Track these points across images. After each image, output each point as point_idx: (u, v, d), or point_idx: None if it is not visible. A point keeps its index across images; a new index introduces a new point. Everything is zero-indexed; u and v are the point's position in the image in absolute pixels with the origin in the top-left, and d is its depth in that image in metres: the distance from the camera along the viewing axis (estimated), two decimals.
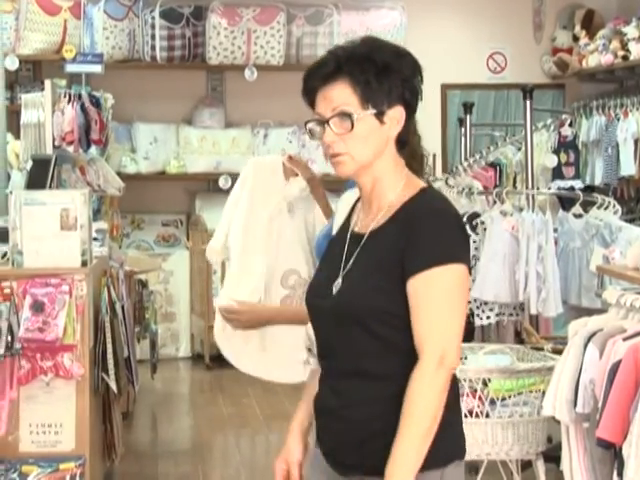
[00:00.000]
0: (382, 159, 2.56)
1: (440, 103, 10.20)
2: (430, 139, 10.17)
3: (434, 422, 2.43)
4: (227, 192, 9.41)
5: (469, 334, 5.88)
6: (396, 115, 2.54)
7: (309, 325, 2.74)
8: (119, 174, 8.19)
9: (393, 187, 2.58)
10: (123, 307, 5.38)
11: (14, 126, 7.99)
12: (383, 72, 2.51)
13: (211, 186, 9.72)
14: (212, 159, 9.52)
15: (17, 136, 7.84)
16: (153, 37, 9.18)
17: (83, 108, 7.35)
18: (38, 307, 4.57)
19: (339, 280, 2.57)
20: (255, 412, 7.64)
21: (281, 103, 9.61)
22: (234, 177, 9.45)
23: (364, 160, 2.54)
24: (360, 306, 2.50)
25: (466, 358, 4.64)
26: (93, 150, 7.68)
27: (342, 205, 2.82)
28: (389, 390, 2.48)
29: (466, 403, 4.32)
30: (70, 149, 7.25)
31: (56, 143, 7.17)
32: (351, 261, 2.57)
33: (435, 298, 2.45)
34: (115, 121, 8.61)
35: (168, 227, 9.69)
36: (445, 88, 10.17)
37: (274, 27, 9.35)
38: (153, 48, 9.19)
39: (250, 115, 9.70)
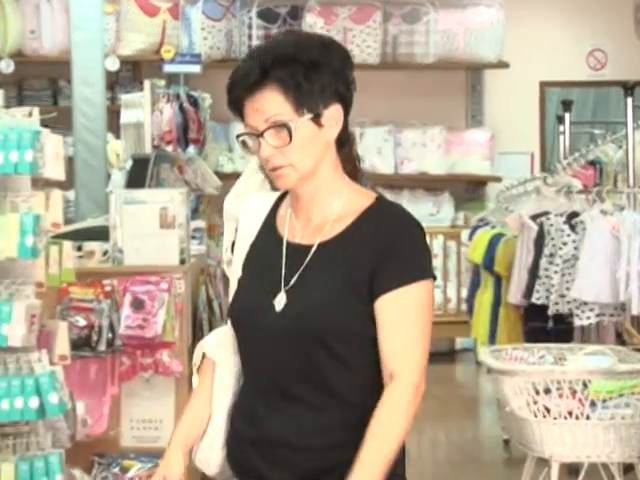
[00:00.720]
0: (324, 164, 2.36)
1: (539, 101, 10.09)
2: (528, 137, 10.15)
3: (397, 449, 2.27)
4: None
5: (568, 334, 5.81)
6: (334, 114, 2.33)
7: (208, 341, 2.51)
8: (216, 173, 8.26)
9: (337, 194, 2.37)
10: (220, 305, 5.43)
11: (114, 126, 8.11)
12: (312, 70, 2.29)
13: None
14: None
15: (117, 136, 7.96)
16: (250, 37, 9.25)
17: (181, 108, 7.42)
18: (138, 305, 4.63)
19: (282, 295, 2.32)
20: None
21: (377, 102, 9.59)
22: None
23: (307, 169, 2.33)
24: (324, 326, 2.27)
25: (565, 359, 4.59)
26: (191, 149, 7.75)
27: (250, 211, 2.52)
28: (351, 416, 2.29)
29: (566, 404, 4.27)
30: (169, 148, 7.32)
31: (155, 143, 7.25)
32: (296, 275, 2.33)
33: (409, 317, 2.28)
34: (213, 121, 8.68)
35: None
36: (544, 86, 10.06)
37: (370, 26, 9.34)
38: (250, 48, 9.25)
39: None
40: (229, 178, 8.89)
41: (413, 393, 2.27)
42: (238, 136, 2.38)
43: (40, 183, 4.58)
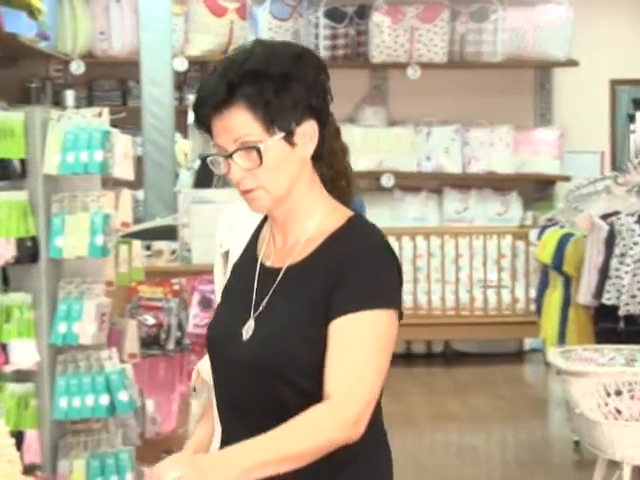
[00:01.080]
0: (299, 183, 2.20)
1: (609, 99, 9.98)
2: (598, 136, 10.02)
3: (296, 462, 2.04)
4: (390, 190, 9.55)
5: (639, 336, 5.73)
6: (308, 131, 2.17)
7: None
8: None
9: (311, 214, 2.22)
10: None
11: (182, 126, 8.17)
12: (283, 85, 2.12)
13: (373, 184, 9.73)
14: (375, 158, 9.54)
15: (185, 135, 8.01)
16: (317, 36, 9.26)
17: None
18: (206, 303, 4.66)
19: (250, 323, 2.20)
20: (419, 411, 7.62)
21: (444, 101, 9.56)
22: (397, 175, 9.46)
23: (280, 192, 2.17)
24: (282, 360, 2.13)
25: (637, 360, 4.53)
26: None
27: (242, 225, 2.44)
28: None
29: (637, 406, 4.22)
30: None
31: None
32: (265, 301, 2.21)
33: (356, 345, 2.09)
34: None
35: None
36: (614, 84, 9.94)
37: (437, 24, 9.31)
38: (317, 47, 9.26)
39: (413, 113, 9.67)
40: None
41: (341, 420, 2.05)
42: (205, 157, 2.28)
43: (110, 183, 4.62)
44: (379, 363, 2.11)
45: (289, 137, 2.15)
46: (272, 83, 2.11)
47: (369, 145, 9.55)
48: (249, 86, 2.11)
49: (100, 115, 4.35)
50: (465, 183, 9.71)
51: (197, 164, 6.68)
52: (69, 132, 4.32)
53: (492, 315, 9.23)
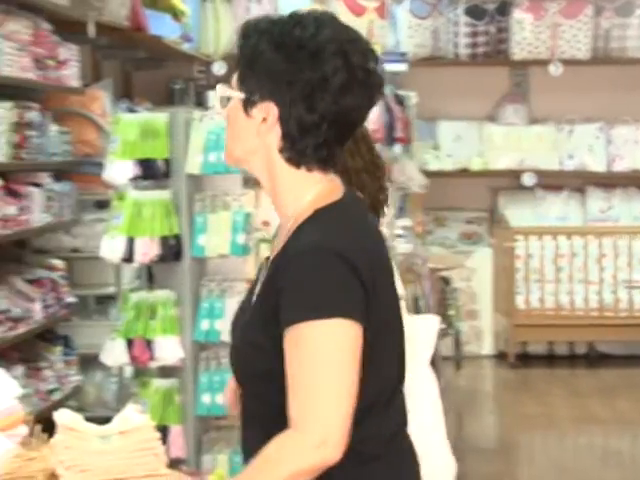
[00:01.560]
0: (257, 160, 2.09)
1: None
2: None
3: None
4: (531, 190, 9.42)
5: None
6: (267, 112, 2.04)
7: None
8: (422, 171, 8.26)
9: (290, 200, 2.08)
10: (427, 303, 5.42)
11: None
12: (272, 55, 2.03)
13: (514, 183, 9.63)
14: (516, 156, 9.44)
15: None
16: (456, 34, 9.21)
17: (387, 107, 7.46)
18: None
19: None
20: (562, 413, 7.51)
21: (587, 98, 9.40)
22: (538, 174, 9.33)
23: (233, 152, 2.12)
24: (239, 368, 2.10)
25: None
26: (397, 148, 7.78)
27: None
28: None
29: None
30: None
31: None
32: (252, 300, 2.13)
33: (307, 362, 1.93)
34: (418, 119, 8.69)
35: (471, 224, 9.68)
36: None
37: (581, 20, 9.15)
38: (456, 45, 9.21)
39: (555, 111, 9.53)
40: (435, 176, 8.89)
41: (305, 445, 1.92)
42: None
43: (250, 182, 4.67)
44: (338, 377, 1.93)
45: (248, 104, 2.05)
46: (268, 48, 2.02)
47: (510, 143, 9.45)
48: (253, 39, 2.05)
49: None
50: (609, 182, 9.53)
51: None
52: (211, 132, 4.39)
53: (638, 316, 9.04)
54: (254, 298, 2.11)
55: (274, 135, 2.05)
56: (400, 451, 2.12)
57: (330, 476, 1.97)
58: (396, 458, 2.09)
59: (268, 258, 2.14)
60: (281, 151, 2.06)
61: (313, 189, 2.07)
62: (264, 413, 2.08)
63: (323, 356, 1.93)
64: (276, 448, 1.94)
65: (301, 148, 2.04)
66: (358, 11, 9.17)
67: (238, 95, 2.07)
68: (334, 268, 1.96)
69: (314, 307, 1.94)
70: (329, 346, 1.93)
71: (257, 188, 4.71)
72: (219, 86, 2.12)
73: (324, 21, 2.05)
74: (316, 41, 2.02)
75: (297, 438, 1.92)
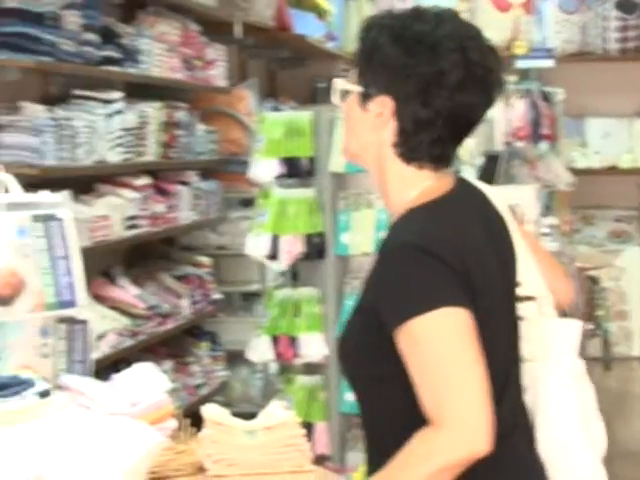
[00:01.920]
0: (371, 154, 2.08)
1: None
2: None
3: None
4: None
5: None
6: (383, 106, 2.03)
7: None
8: (569, 169, 8.13)
9: (398, 198, 2.06)
10: (574, 303, 5.33)
11: None
12: (390, 50, 2.01)
13: None
14: None
15: None
16: (606, 29, 9.04)
17: (533, 103, 7.36)
18: None
19: None
20: None
21: None
22: None
23: (350, 146, 2.12)
24: (343, 366, 2.08)
25: None
26: (543, 145, 7.67)
27: None
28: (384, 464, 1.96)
29: None
30: (520, 145, 7.29)
31: (507, 139, 7.24)
32: None
33: (427, 358, 1.89)
34: (565, 116, 8.55)
35: (620, 223, 9.49)
36: None
37: None
38: (606, 40, 9.04)
39: None
40: (582, 174, 8.74)
41: (445, 441, 1.87)
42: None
43: None
44: (464, 364, 1.88)
45: (364, 97, 2.05)
46: (386, 41, 2.01)
47: None
48: (373, 33, 2.05)
49: None
50: None
51: (481, 161, 6.66)
52: None
53: None
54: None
55: (389, 130, 2.04)
56: (512, 458, 2.03)
57: None
58: (503, 464, 1.99)
59: None
60: (395, 146, 2.05)
61: (419, 186, 2.05)
62: (365, 414, 2.08)
63: (441, 347, 1.89)
64: (421, 444, 1.89)
65: (415, 144, 2.03)
66: (504, 7, 9.08)
67: (355, 88, 2.07)
68: (421, 262, 1.93)
69: (415, 303, 1.90)
70: (444, 336, 1.89)
71: None
72: (337, 80, 2.12)
73: (445, 17, 2.03)
74: (435, 36, 2.00)
75: (443, 434, 1.87)
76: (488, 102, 2.07)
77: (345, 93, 2.10)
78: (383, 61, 2.01)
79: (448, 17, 2.04)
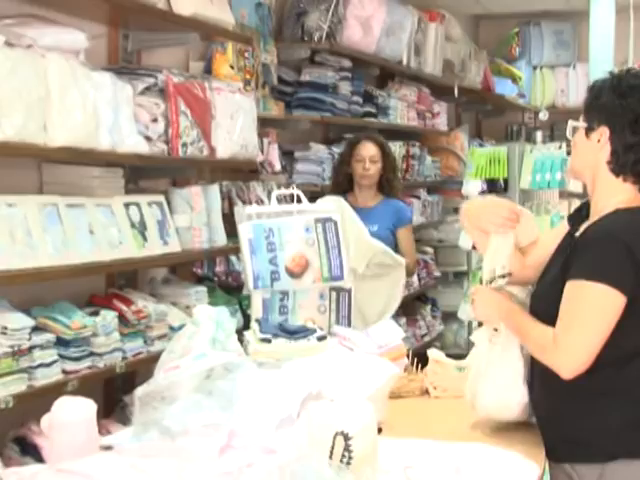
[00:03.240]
0: (589, 172, 2.03)
1: None
2: None
3: (522, 340, 2.03)
4: None
5: None
6: (601, 135, 2.00)
7: None
8: None
9: (603, 202, 2.00)
10: None
11: None
12: (602, 97, 2.00)
13: None
14: None
15: None
16: None
17: None
18: None
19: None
20: None
21: None
22: None
23: (574, 167, 2.09)
24: (539, 306, 2.05)
25: None
26: None
27: None
28: (556, 392, 1.98)
29: None
30: None
31: None
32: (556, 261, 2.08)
33: (575, 307, 1.90)
34: None
35: None
36: None
37: None
38: None
39: None
40: None
41: (555, 357, 1.92)
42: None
43: (564, 195, 4.53)
44: (591, 325, 1.89)
45: (588, 130, 2.02)
46: (607, 90, 2.00)
47: None
48: (597, 84, 2.04)
49: (560, 147, 4.27)
50: None
51: None
52: (538, 159, 4.29)
53: None
54: (558, 259, 2.03)
55: (604, 152, 2.00)
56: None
57: (592, 390, 1.92)
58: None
59: (571, 235, 2.06)
60: (608, 163, 2.01)
61: (620, 195, 2.00)
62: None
63: (586, 308, 1.89)
64: (545, 341, 1.94)
65: (623, 162, 1.99)
66: None
67: (583, 125, 2.04)
68: (614, 248, 1.89)
69: (592, 273, 1.89)
70: (593, 304, 1.89)
71: (569, 199, 4.53)
72: (570, 121, 2.09)
73: None
74: None
75: (554, 350, 1.92)
76: None
77: (574, 129, 2.07)
78: (604, 103, 2.00)
79: None
